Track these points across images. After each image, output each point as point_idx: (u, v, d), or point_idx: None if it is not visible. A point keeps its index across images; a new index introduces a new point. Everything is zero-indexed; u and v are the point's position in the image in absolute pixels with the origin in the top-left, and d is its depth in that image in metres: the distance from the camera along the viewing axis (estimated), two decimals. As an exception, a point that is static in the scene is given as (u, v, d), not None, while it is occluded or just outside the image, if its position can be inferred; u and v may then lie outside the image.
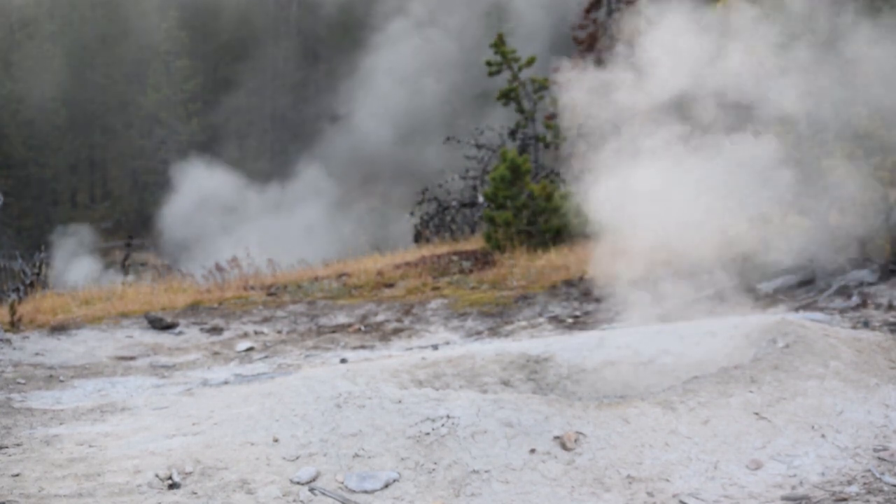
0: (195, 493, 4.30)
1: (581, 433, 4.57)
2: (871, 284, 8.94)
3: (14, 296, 11.16)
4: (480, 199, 19.21)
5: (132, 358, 8.67)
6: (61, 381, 7.52)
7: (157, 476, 4.50)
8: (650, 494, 4.21)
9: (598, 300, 9.98)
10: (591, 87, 8.14)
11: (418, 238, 19.56)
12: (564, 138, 20.82)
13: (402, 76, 37.95)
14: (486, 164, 21.31)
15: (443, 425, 4.63)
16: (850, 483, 4.31)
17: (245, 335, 9.84)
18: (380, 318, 10.41)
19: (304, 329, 10.10)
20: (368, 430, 4.70)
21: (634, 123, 8.00)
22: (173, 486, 4.40)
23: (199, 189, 34.54)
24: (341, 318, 10.51)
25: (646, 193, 7.71)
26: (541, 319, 9.72)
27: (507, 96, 20.39)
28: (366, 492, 4.29)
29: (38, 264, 12.56)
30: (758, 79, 7.98)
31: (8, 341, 8.94)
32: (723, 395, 4.98)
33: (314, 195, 35.15)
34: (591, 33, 21.31)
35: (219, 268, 13.45)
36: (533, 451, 4.46)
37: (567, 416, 4.69)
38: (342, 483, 4.37)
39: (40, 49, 42.16)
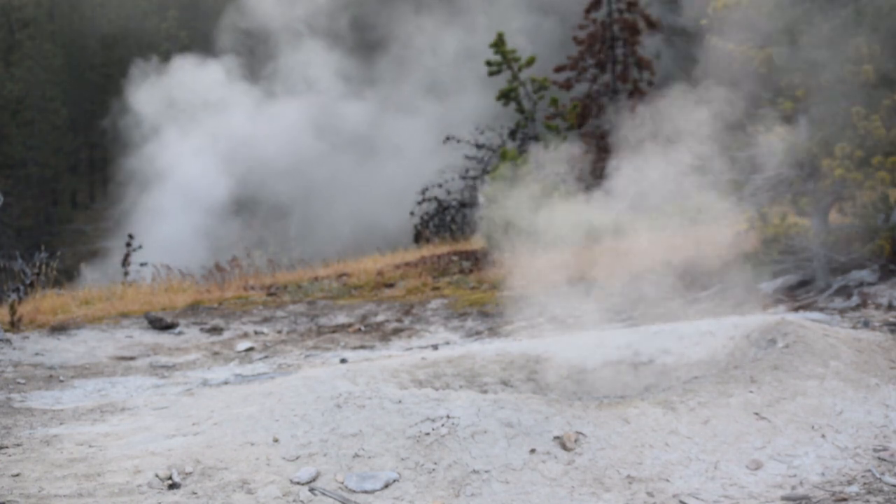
0: (195, 493, 4.31)
1: (581, 433, 4.57)
2: (871, 284, 8.94)
3: (14, 296, 11.14)
4: (480, 199, 19.22)
5: (132, 358, 8.67)
6: (61, 381, 7.52)
7: (157, 476, 4.50)
8: (650, 494, 4.21)
9: (597, 300, 9.96)
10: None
11: (418, 238, 19.57)
12: (565, 137, 20.85)
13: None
14: (486, 164, 21.32)
15: (443, 425, 4.63)
16: (850, 483, 4.31)
17: (245, 335, 9.84)
18: (380, 318, 10.41)
19: (304, 329, 10.10)
20: (368, 431, 4.70)
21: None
22: (173, 486, 4.40)
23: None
24: (341, 318, 10.51)
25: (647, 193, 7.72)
26: (541, 319, 9.71)
27: (507, 96, 20.40)
28: (366, 492, 4.29)
29: (38, 264, 12.54)
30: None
31: (8, 341, 8.94)
32: (723, 395, 4.97)
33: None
34: (591, 33, 21.31)
35: (219, 268, 13.46)
36: (533, 451, 4.46)
37: (567, 416, 4.69)
38: (342, 483, 4.37)
39: (40, 49, 42.14)
